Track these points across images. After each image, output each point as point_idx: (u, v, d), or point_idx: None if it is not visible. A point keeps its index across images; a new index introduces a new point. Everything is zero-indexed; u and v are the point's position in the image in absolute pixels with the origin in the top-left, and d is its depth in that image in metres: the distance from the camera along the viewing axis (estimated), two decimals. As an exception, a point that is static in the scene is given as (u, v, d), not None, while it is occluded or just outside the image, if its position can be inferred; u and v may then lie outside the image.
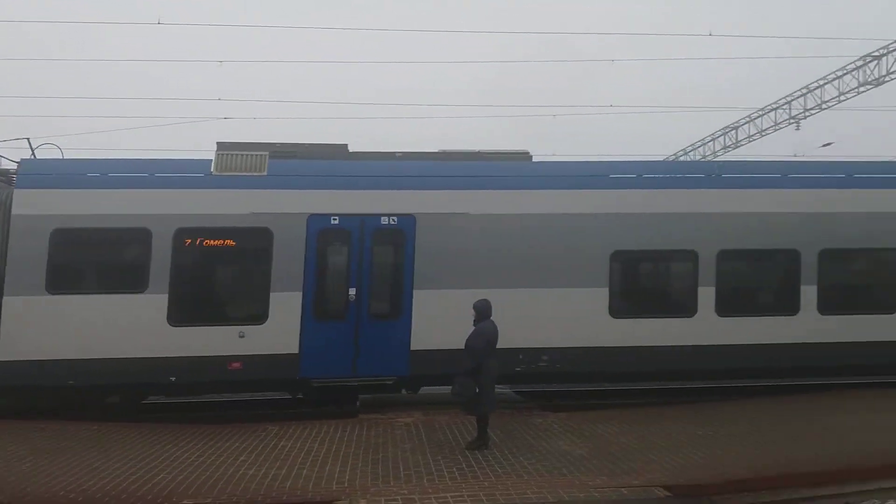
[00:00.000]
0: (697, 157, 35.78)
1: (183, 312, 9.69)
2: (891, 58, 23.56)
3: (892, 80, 23.71)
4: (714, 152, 35.46)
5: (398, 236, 10.16)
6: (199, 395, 10.88)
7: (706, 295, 10.51)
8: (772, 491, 6.55)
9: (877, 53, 23.93)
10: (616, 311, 10.34)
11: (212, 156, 10.28)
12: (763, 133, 31.96)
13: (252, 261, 10.11)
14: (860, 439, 7.94)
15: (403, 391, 10.70)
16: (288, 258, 9.84)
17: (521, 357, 9.96)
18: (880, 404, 9.99)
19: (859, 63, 24.64)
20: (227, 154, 10.26)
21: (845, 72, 25.47)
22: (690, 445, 7.86)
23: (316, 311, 9.90)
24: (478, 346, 7.87)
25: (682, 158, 36.91)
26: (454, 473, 7.01)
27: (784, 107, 29.88)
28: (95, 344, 9.41)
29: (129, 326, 9.46)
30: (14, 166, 10.26)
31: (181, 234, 9.74)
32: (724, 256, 10.57)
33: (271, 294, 9.79)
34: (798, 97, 28.69)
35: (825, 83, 26.85)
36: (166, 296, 9.59)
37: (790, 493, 6.52)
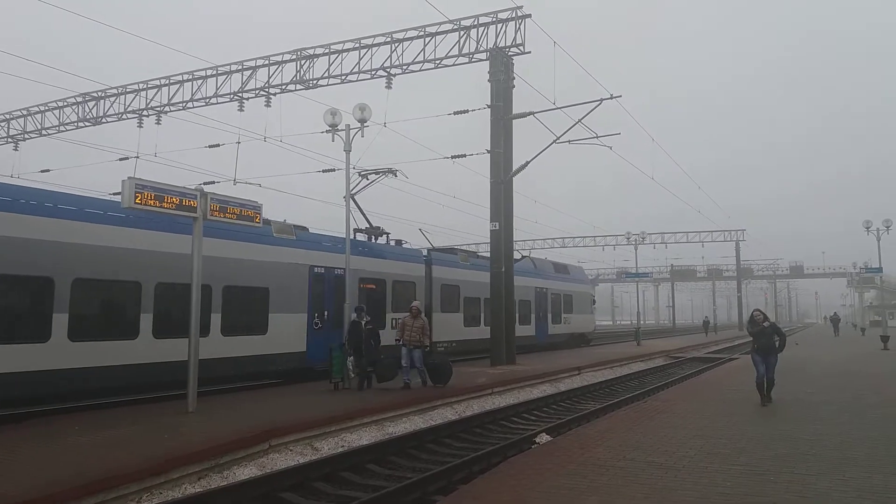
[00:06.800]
0: None
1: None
2: (107, 102, 25.63)
3: (108, 122, 25.98)
4: None
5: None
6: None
7: None
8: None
9: (96, 95, 25.80)
10: None
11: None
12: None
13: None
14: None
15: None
16: None
17: None
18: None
19: (80, 99, 26.19)
20: None
21: (66, 104, 26.86)
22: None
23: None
24: None
25: None
26: None
27: (2, 124, 28.83)
28: None
29: None
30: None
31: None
32: None
33: None
34: (18, 117, 27.98)
35: (47, 110, 27.18)
36: None
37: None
